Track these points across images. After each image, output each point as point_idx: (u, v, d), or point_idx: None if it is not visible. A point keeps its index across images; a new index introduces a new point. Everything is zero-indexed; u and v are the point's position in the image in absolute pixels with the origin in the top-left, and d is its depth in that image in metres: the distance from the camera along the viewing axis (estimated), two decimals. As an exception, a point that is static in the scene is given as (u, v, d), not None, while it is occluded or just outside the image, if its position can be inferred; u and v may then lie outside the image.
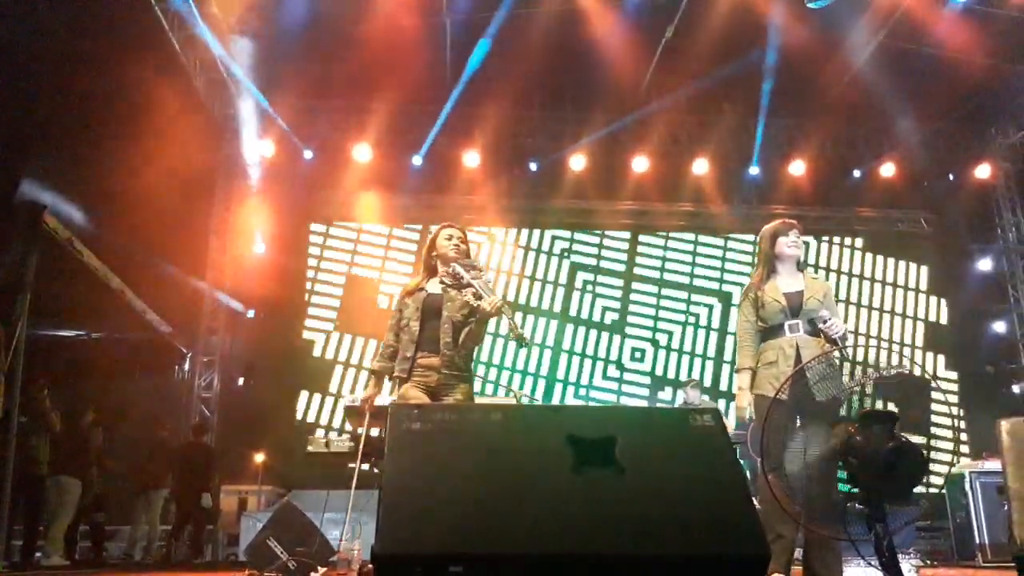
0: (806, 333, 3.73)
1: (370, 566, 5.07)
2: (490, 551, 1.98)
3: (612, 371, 11.36)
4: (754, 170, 11.59)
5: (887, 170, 11.58)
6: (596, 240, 11.91)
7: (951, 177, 11.94)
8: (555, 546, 2.01)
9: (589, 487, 2.16)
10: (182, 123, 8.77)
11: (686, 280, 11.81)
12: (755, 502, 2.46)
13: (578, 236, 11.93)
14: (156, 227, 8.37)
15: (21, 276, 5.70)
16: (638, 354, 11.42)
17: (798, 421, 2.76)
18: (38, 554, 7.23)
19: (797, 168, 11.46)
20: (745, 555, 2.03)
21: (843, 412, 2.70)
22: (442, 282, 4.11)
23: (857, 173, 11.75)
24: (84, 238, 7.01)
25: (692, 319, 11.63)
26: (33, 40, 7.22)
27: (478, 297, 3.84)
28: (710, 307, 11.71)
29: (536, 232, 11.87)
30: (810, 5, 8.08)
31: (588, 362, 11.35)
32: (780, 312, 3.76)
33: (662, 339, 11.53)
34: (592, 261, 11.82)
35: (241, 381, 10.73)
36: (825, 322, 3.65)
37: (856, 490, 2.58)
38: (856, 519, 2.56)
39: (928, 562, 7.39)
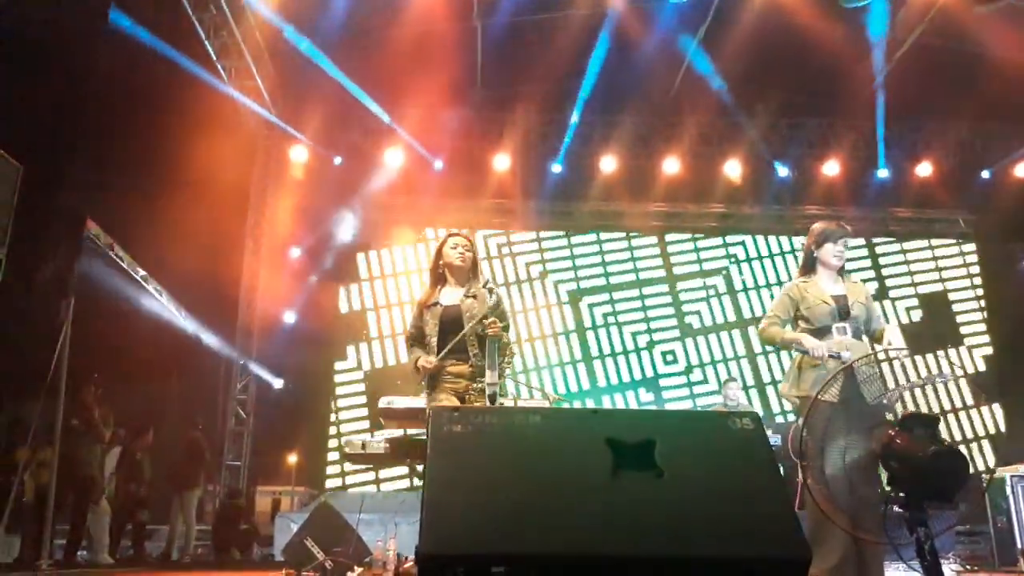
0: (853, 336, 3.65)
1: (406, 566, 5.14)
2: (532, 552, 2.00)
3: (649, 375, 11.34)
4: (784, 171, 11.50)
5: (923, 169, 11.42)
6: (624, 244, 11.87)
7: (987, 176, 11.72)
8: (596, 548, 2.03)
9: (629, 489, 2.17)
10: (217, 130, 8.94)
11: (719, 281, 11.75)
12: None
13: (604, 238, 11.89)
14: (192, 232, 8.52)
15: (66, 281, 5.85)
16: (669, 356, 11.38)
17: (839, 424, 2.74)
18: (82, 552, 7.40)
19: (831, 168, 11.34)
20: (786, 557, 2.03)
21: (886, 415, 2.68)
22: (469, 296, 4.17)
23: (892, 173, 11.58)
24: (124, 244, 7.18)
25: (711, 293, 11.59)
26: (71, 51, 7.39)
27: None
28: (714, 286, 11.66)
29: (555, 235, 11.85)
30: (844, 5, 8.00)
31: (625, 371, 11.32)
32: (828, 314, 3.68)
33: (689, 342, 11.48)
34: (625, 266, 11.77)
35: (277, 384, 10.86)
36: (889, 344, 3.50)
37: (897, 493, 2.57)
38: (897, 523, 2.54)
39: (968, 567, 7.27)
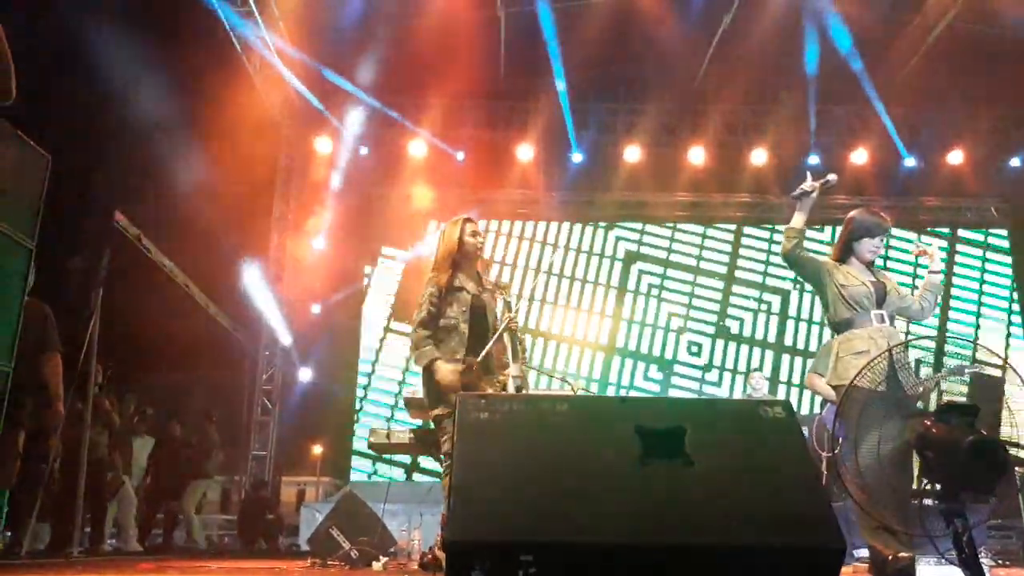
0: (889, 324, 3.53)
1: (430, 556, 5.15)
2: (560, 540, 1.98)
3: (677, 368, 11.27)
4: (813, 159, 11.33)
5: (954, 157, 11.20)
6: (660, 233, 11.79)
7: (1020, 163, 11.47)
8: (625, 536, 2.01)
9: (658, 478, 2.15)
10: (243, 123, 8.98)
11: (753, 276, 11.64)
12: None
13: (619, 230, 11.82)
14: (220, 224, 8.59)
15: (94, 272, 5.91)
16: (695, 348, 11.30)
17: (875, 412, 2.66)
18: (111, 540, 7.50)
19: (859, 157, 11.16)
20: (820, 546, 1.99)
21: (919, 404, 2.62)
22: (484, 289, 4.12)
23: (922, 161, 11.38)
24: (151, 235, 7.24)
25: (763, 308, 11.47)
26: (104, 45, 7.46)
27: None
28: (769, 303, 11.52)
29: (578, 226, 11.79)
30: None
31: (641, 364, 11.26)
32: (866, 296, 3.55)
33: (721, 331, 11.39)
34: (656, 254, 11.69)
35: (302, 375, 10.92)
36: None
37: (933, 484, 2.51)
38: (933, 515, 2.49)
39: (1000, 562, 7.15)
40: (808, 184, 3.77)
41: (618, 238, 11.73)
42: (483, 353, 3.84)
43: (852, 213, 3.87)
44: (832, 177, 3.82)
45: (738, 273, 11.67)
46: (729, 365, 11.27)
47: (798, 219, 3.78)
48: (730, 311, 11.46)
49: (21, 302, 4.49)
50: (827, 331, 10.18)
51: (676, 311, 11.45)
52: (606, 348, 11.26)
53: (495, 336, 3.87)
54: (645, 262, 11.63)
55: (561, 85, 9.98)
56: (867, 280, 3.63)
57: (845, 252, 3.78)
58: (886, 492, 2.64)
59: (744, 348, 11.34)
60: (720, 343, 11.33)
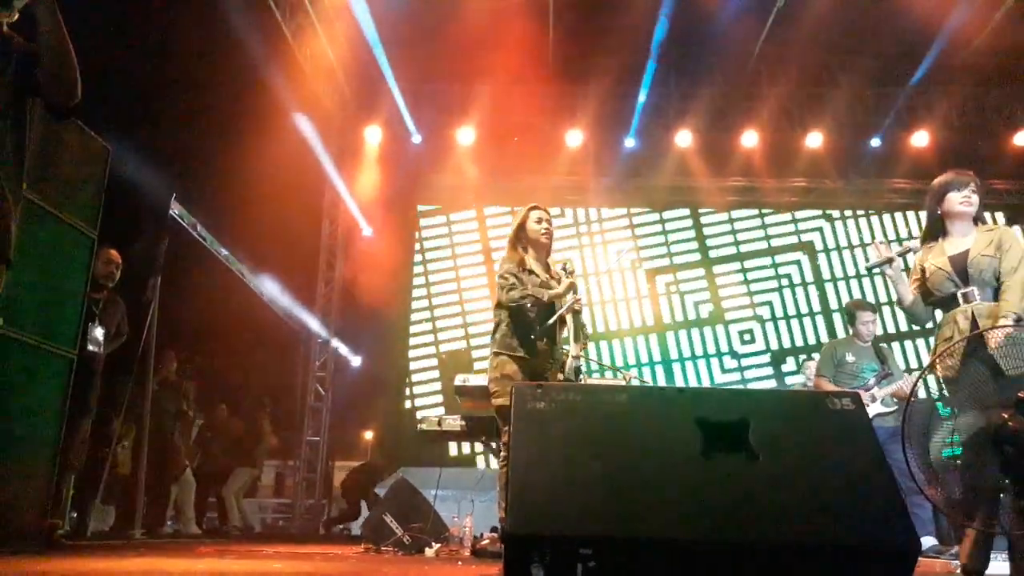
0: (985, 300, 3.17)
1: (483, 543, 5.16)
2: (621, 535, 1.94)
3: (729, 362, 11.05)
4: (875, 142, 10.99)
5: (1021, 138, 10.75)
6: (661, 235, 11.58)
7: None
8: (688, 532, 1.96)
9: (721, 472, 2.09)
10: (293, 110, 9.07)
11: (764, 245, 11.41)
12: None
13: (640, 229, 11.60)
14: (271, 215, 8.70)
15: (153, 260, 6.04)
16: (747, 336, 11.09)
17: (949, 402, 2.54)
18: (169, 522, 7.70)
19: (920, 139, 10.79)
20: (893, 545, 1.92)
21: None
22: (552, 276, 4.17)
23: (987, 142, 10.95)
24: (207, 224, 7.38)
25: (784, 281, 11.20)
26: (151, 41, 7.60)
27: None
28: (797, 262, 11.26)
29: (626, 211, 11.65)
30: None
31: (702, 362, 11.08)
32: (947, 279, 3.26)
33: (764, 312, 11.14)
34: (666, 261, 11.48)
35: (355, 361, 11.05)
36: (1019, 321, 2.95)
37: (1012, 480, 2.40)
38: (1012, 511, 2.38)
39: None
40: (876, 256, 3.46)
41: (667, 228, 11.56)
42: (544, 339, 3.96)
43: (932, 183, 3.56)
44: (913, 244, 3.52)
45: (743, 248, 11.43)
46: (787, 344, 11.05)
47: (903, 294, 3.46)
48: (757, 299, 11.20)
49: (85, 291, 4.62)
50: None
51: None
52: (658, 339, 11.12)
53: (555, 317, 3.92)
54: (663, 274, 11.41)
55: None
56: (947, 260, 3.32)
57: (936, 226, 3.48)
58: (959, 487, 2.54)
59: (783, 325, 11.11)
60: (770, 326, 11.10)
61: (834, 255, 11.28)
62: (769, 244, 11.41)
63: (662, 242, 11.54)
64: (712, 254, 11.44)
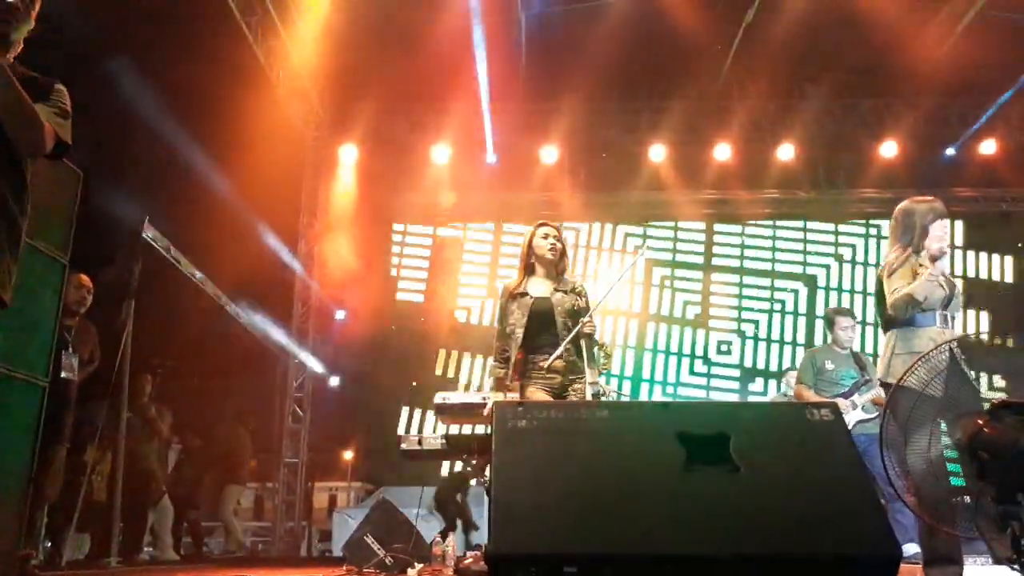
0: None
1: (465, 562, 5.12)
2: (605, 552, 1.94)
3: (699, 366, 11.11)
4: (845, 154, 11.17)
5: (987, 147, 10.98)
6: (671, 233, 11.66)
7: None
8: (671, 547, 1.97)
9: (703, 486, 2.10)
10: (267, 131, 9.03)
11: (768, 267, 11.47)
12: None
13: (653, 229, 11.70)
14: (246, 234, 8.65)
15: (126, 284, 5.97)
16: (724, 347, 11.16)
17: (926, 410, 2.57)
18: (147, 548, 7.57)
19: (888, 149, 10.97)
20: (874, 555, 1.93)
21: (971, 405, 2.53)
22: (558, 289, 4.14)
23: (952, 152, 11.16)
24: (180, 246, 7.30)
25: (777, 306, 11.27)
26: (130, 59, 7.54)
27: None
28: (795, 292, 11.34)
29: (610, 226, 11.70)
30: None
31: (673, 359, 11.13)
32: (943, 298, 3.35)
33: (748, 329, 11.21)
34: (668, 255, 11.56)
35: (332, 381, 10.97)
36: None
37: (988, 486, 2.43)
38: (987, 516, 2.41)
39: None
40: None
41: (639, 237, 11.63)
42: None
43: (901, 205, 3.63)
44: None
45: (747, 264, 11.51)
46: (757, 363, 11.11)
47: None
48: (744, 315, 11.28)
49: (57, 317, 4.55)
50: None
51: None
52: (637, 325, 11.14)
53: (545, 332, 4.02)
54: (662, 267, 11.48)
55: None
56: (944, 280, 3.41)
57: (917, 243, 3.51)
58: (935, 492, 2.57)
59: (763, 346, 11.16)
60: (750, 344, 11.17)
61: (833, 295, 11.29)
62: (773, 268, 11.48)
63: (670, 236, 11.64)
64: (715, 262, 11.52)
